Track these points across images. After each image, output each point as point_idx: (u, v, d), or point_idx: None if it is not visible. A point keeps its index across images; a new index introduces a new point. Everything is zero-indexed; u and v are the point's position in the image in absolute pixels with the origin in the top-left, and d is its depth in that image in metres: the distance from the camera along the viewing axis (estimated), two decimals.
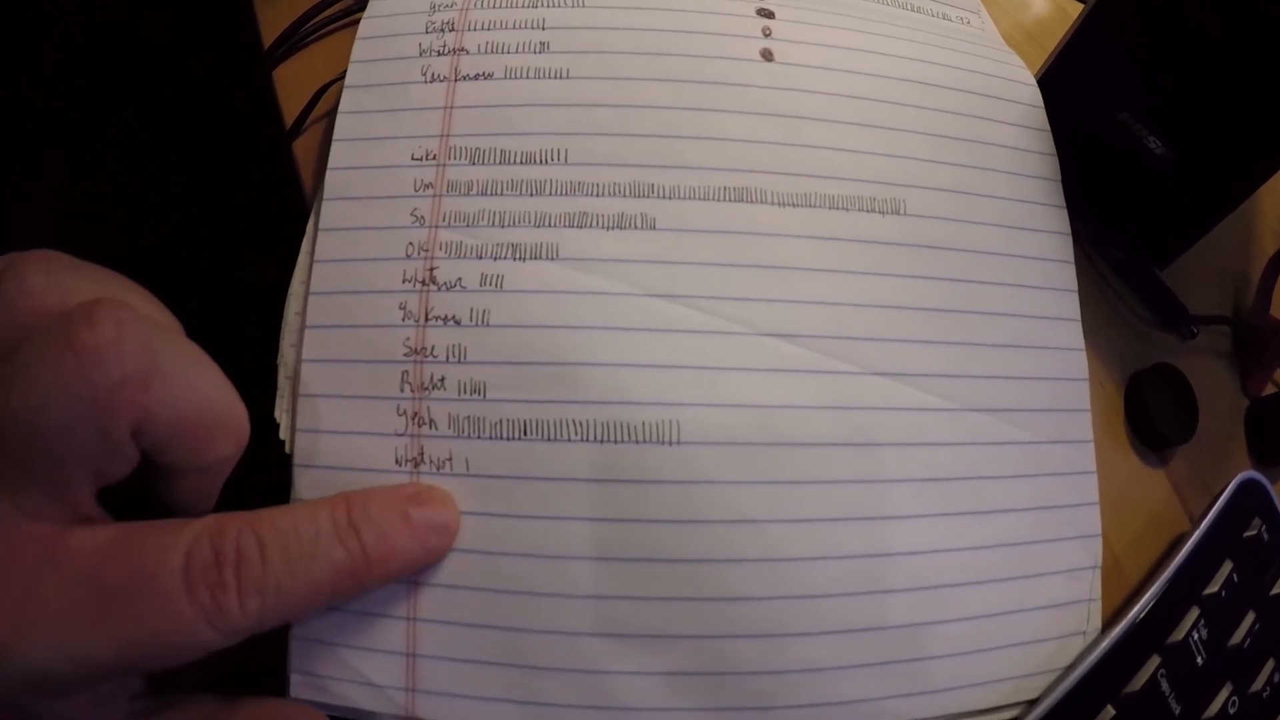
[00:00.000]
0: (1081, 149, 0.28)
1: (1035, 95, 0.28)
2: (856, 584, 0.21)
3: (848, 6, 0.28)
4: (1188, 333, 0.29)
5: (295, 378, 0.22)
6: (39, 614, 0.14)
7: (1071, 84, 0.28)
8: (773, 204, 0.23)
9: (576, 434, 0.21)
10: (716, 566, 0.21)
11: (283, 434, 0.22)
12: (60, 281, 0.16)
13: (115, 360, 0.14)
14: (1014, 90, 0.27)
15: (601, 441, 0.21)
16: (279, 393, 0.23)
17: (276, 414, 0.22)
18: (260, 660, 0.20)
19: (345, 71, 0.25)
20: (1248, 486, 0.26)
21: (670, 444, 0.21)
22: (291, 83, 0.29)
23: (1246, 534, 0.26)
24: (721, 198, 0.23)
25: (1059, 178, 0.27)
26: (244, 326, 0.24)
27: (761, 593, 0.21)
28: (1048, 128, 0.27)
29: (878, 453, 0.22)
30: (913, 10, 0.29)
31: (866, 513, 0.22)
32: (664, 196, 0.23)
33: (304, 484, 0.21)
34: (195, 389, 0.16)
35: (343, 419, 0.22)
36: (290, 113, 0.28)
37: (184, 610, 0.15)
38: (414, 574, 0.20)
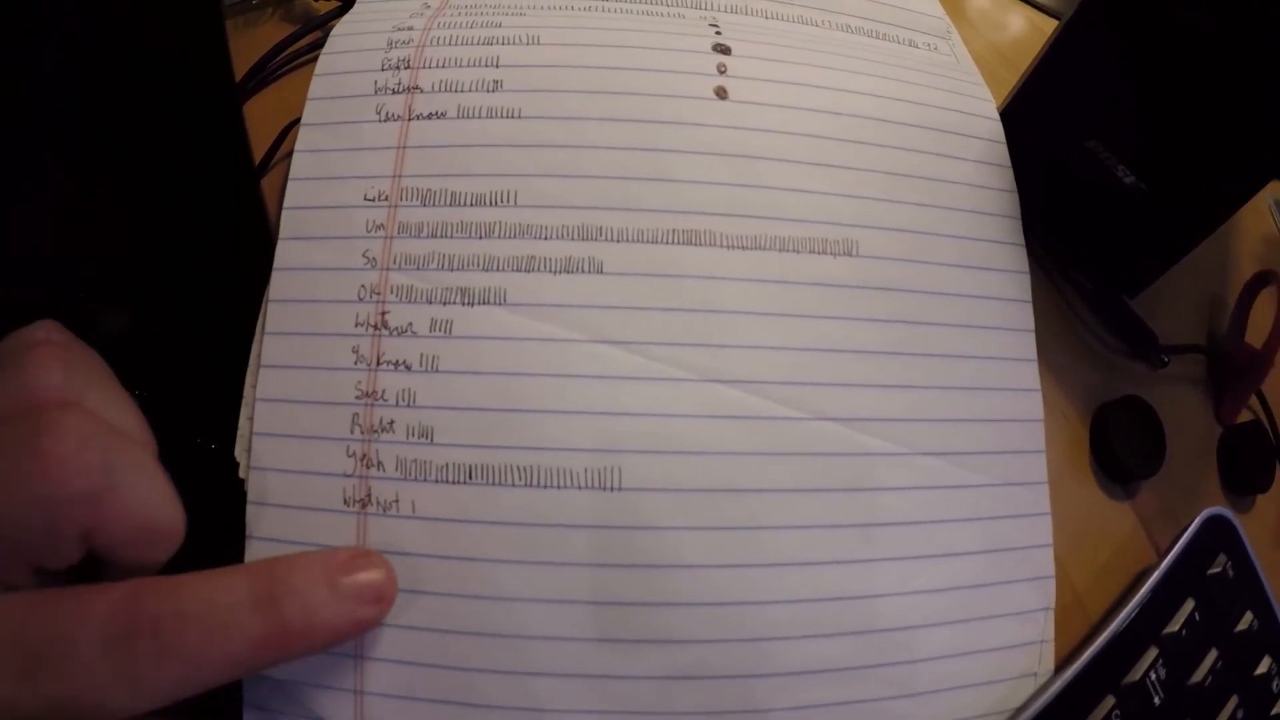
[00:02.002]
0: (1049, 177, 0.27)
1: (997, 129, 0.27)
2: (802, 628, 0.21)
3: (810, 38, 0.28)
4: (1158, 362, 0.29)
5: (252, 419, 0.23)
6: None
7: (1039, 111, 0.28)
8: (722, 247, 0.23)
9: (520, 479, 0.21)
10: (660, 610, 0.21)
11: (242, 473, 0.22)
12: (73, 381, 0.17)
13: (75, 473, 0.15)
14: (975, 125, 0.27)
15: (544, 487, 0.21)
16: (239, 432, 0.23)
17: (237, 453, 0.23)
18: (216, 694, 0.20)
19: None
20: (1213, 523, 0.26)
21: (612, 490, 0.21)
22: (262, 117, 0.29)
23: (1210, 571, 0.26)
24: (670, 240, 0.23)
25: (1019, 215, 0.26)
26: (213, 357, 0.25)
27: (707, 636, 0.21)
28: (1009, 163, 0.27)
29: (823, 498, 0.22)
30: (879, 38, 0.29)
31: (811, 558, 0.22)
32: (612, 239, 0.23)
33: (257, 522, 0.21)
34: (144, 507, 0.17)
35: (294, 458, 0.22)
36: (259, 148, 0.28)
37: (100, 676, 0.15)
38: (346, 642, 0.20)
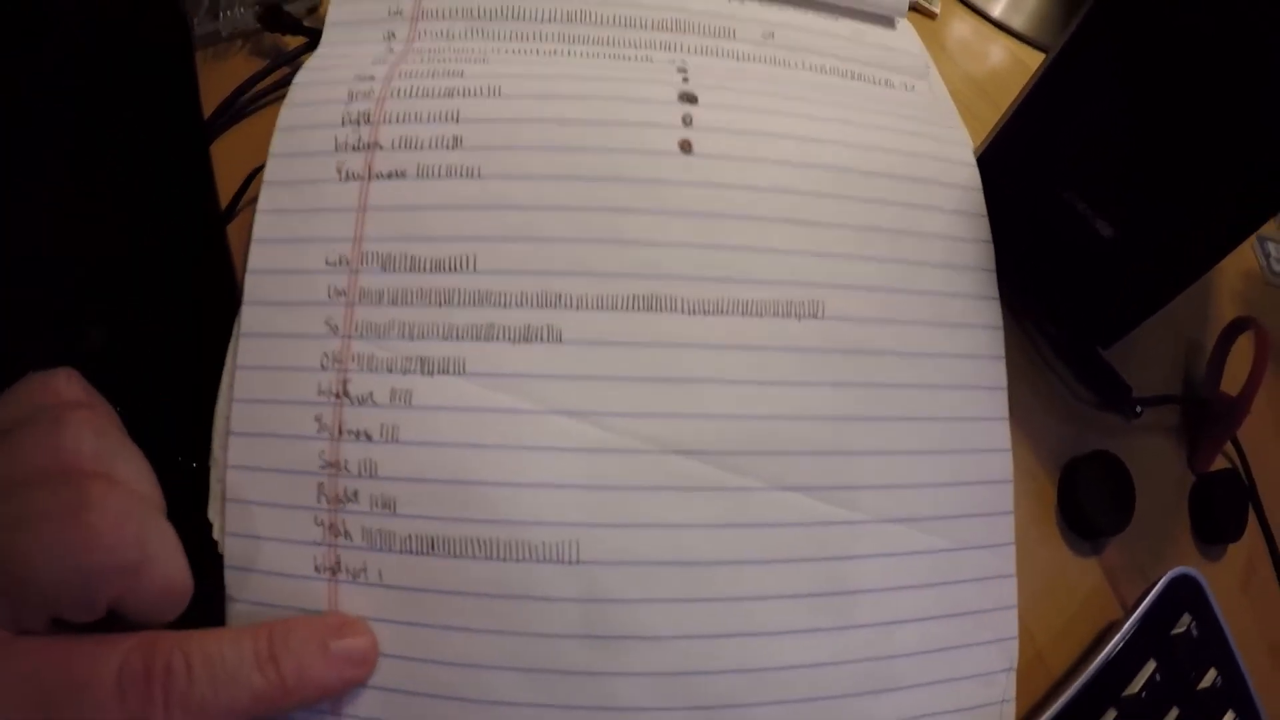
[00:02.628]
0: (1023, 226, 0.27)
1: (973, 176, 0.27)
2: (760, 696, 0.22)
3: (782, 82, 0.27)
4: (1131, 413, 0.29)
5: (224, 482, 0.23)
6: None
7: (1014, 160, 0.27)
8: (683, 312, 0.23)
9: (480, 552, 0.21)
10: (619, 680, 0.21)
11: (216, 534, 0.22)
12: (103, 449, 0.18)
13: (116, 549, 0.17)
14: (950, 172, 0.26)
15: (503, 560, 0.21)
16: (212, 494, 0.23)
17: (210, 514, 0.23)
18: None
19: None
20: (1178, 583, 0.26)
21: (570, 563, 0.21)
22: (230, 156, 0.29)
23: (1174, 631, 0.26)
24: (630, 307, 0.23)
25: (993, 266, 0.26)
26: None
27: (664, 704, 0.21)
28: (984, 212, 0.26)
29: (782, 569, 0.22)
30: (854, 78, 0.28)
31: (770, 628, 0.22)
32: (571, 307, 0.22)
33: (236, 586, 0.21)
34: (168, 575, 0.18)
35: (266, 526, 0.22)
36: (227, 189, 0.28)
37: (114, 717, 0.16)
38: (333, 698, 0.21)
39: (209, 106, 0.29)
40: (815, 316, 0.23)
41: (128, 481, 0.18)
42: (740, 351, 0.23)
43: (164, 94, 0.31)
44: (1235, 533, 0.30)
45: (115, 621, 0.19)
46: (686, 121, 0.24)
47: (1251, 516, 0.31)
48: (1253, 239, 0.37)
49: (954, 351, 0.25)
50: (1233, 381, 0.30)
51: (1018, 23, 0.37)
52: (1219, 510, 0.30)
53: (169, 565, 0.18)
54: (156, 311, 0.29)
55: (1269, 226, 0.38)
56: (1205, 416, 0.30)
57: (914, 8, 0.36)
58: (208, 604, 0.22)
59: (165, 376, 0.27)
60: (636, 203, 0.23)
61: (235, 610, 0.21)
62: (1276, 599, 0.31)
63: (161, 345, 0.29)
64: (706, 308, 0.23)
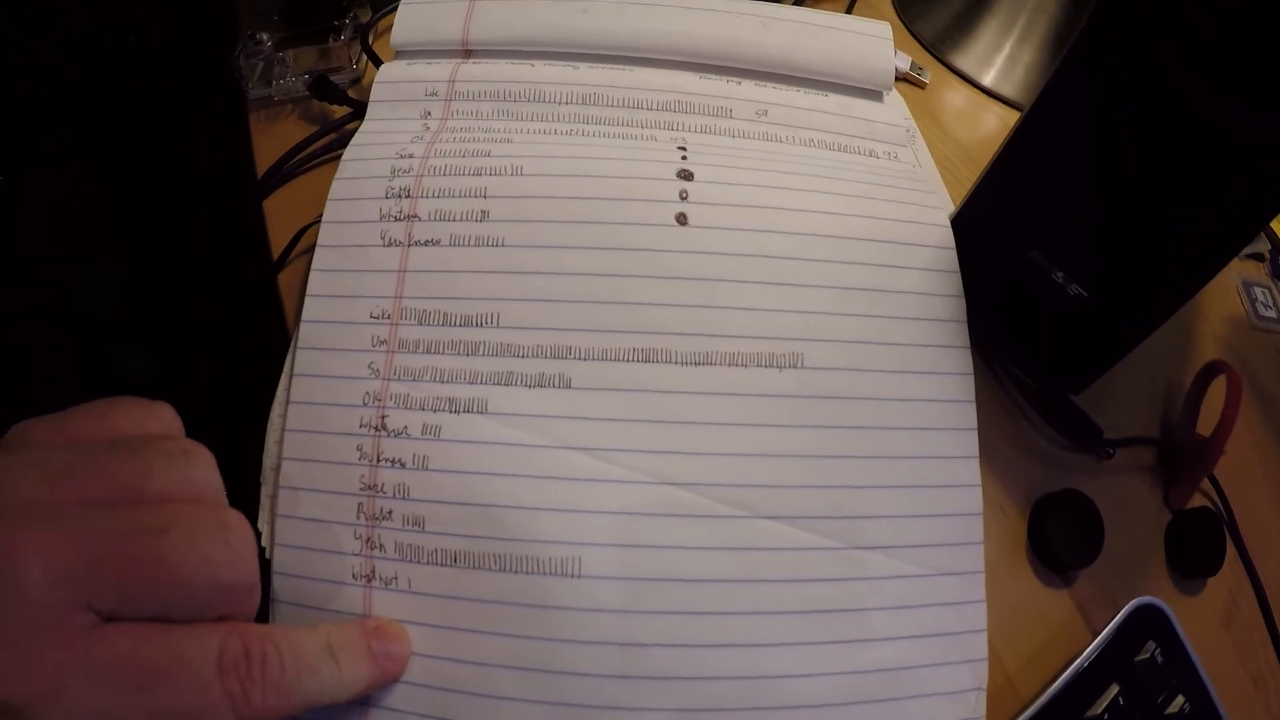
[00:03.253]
0: (994, 281, 0.30)
1: (946, 236, 0.30)
2: (739, 700, 0.24)
3: (772, 156, 0.30)
4: (1104, 454, 0.31)
5: (274, 498, 0.26)
6: (72, 681, 0.17)
7: (984, 221, 0.30)
8: (677, 363, 0.26)
9: (495, 565, 0.25)
10: (612, 681, 0.24)
11: (264, 543, 0.26)
12: (208, 479, 0.20)
13: (249, 570, 0.19)
14: (926, 233, 0.29)
15: (515, 572, 0.24)
16: (261, 506, 0.27)
17: (260, 524, 0.27)
18: None
19: (322, 214, 0.29)
20: (1143, 611, 0.28)
21: (574, 577, 0.24)
22: (281, 214, 0.33)
23: (1138, 658, 0.28)
24: (631, 358, 0.26)
25: (965, 318, 0.29)
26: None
27: (652, 705, 0.24)
28: (957, 268, 0.29)
29: (762, 588, 0.25)
30: (840, 150, 0.32)
31: (751, 640, 0.24)
32: (580, 358, 0.26)
33: (281, 588, 0.25)
34: (258, 595, 0.20)
35: (311, 538, 0.26)
36: (278, 243, 0.32)
37: (215, 693, 0.18)
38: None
39: (263, 164, 0.34)
40: (795, 367, 0.26)
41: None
42: (728, 397, 0.26)
43: (222, 154, 0.36)
44: (1212, 568, 0.31)
45: None
46: (683, 196, 0.28)
47: (1231, 552, 0.32)
48: (1238, 284, 0.39)
49: (925, 396, 0.27)
50: (1210, 422, 0.32)
51: (1008, 90, 0.40)
52: (1195, 545, 0.31)
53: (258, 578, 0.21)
54: (211, 345, 0.34)
55: (1256, 272, 0.40)
56: (1180, 456, 0.32)
57: (904, 78, 0.39)
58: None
59: (215, 399, 0.31)
60: (638, 269, 0.27)
61: (280, 610, 0.25)
62: (1260, 632, 0.32)
63: (214, 373, 0.33)
64: (698, 359, 0.26)
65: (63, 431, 0.20)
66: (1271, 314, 0.38)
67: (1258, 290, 0.38)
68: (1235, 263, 0.40)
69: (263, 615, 0.25)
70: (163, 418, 0.22)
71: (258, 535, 0.26)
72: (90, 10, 0.39)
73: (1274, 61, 0.21)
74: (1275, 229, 0.41)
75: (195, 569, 0.18)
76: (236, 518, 0.20)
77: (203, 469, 0.20)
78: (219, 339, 0.33)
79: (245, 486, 0.27)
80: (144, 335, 0.35)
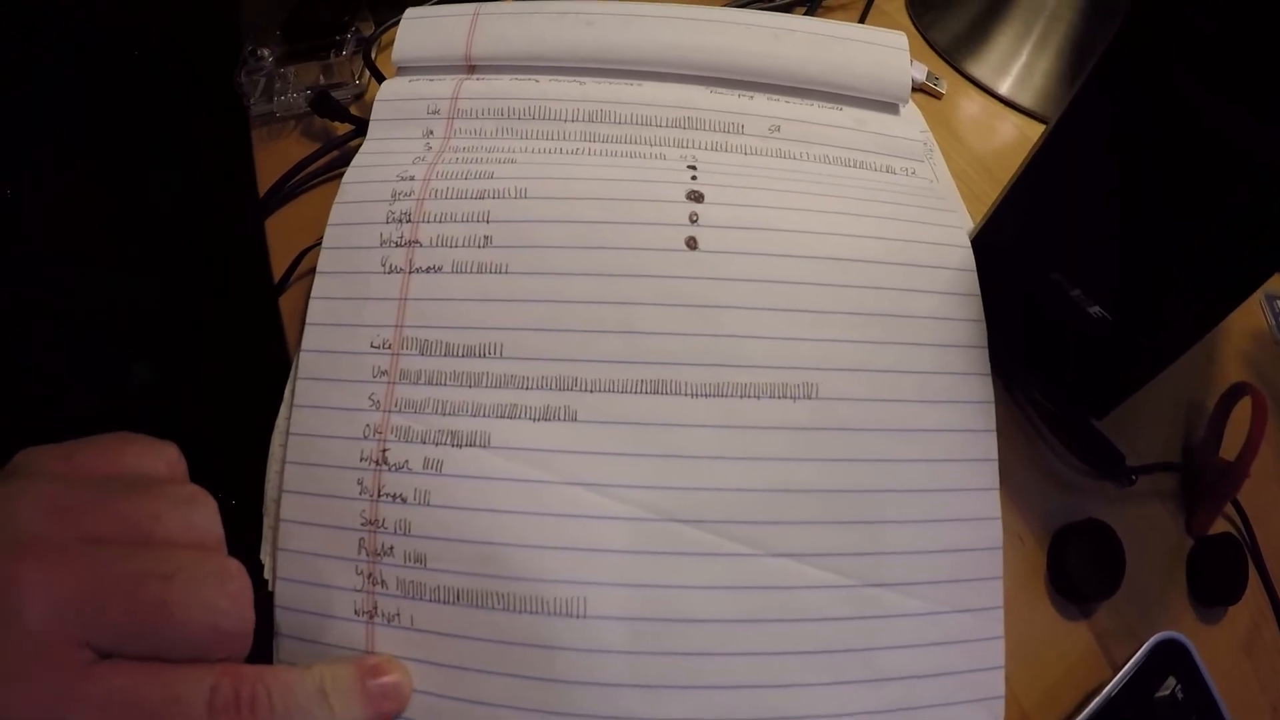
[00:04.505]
0: (1015, 303, 0.29)
1: (967, 257, 0.29)
2: None
3: (785, 174, 0.29)
4: (1126, 481, 0.30)
5: (275, 530, 0.26)
6: (67, 715, 0.17)
7: (1006, 242, 0.29)
8: (686, 395, 0.25)
9: (499, 604, 0.24)
10: None
11: (266, 574, 0.26)
12: (211, 527, 0.21)
13: (246, 617, 0.20)
14: (945, 255, 0.28)
15: (519, 611, 0.24)
16: (264, 538, 0.26)
17: (262, 555, 0.26)
18: None
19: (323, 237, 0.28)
20: (1164, 646, 0.27)
21: (578, 617, 0.24)
22: (283, 233, 0.32)
23: (1159, 694, 0.27)
24: (639, 390, 0.25)
25: (985, 343, 0.28)
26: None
27: None
28: (977, 291, 0.28)
29: (771, 628, 0.24)
30: (856, 166, 0.31)
31: (756, 682, 0.24)
32: (586, 390, 0.25)
33: (284, 622, 0.25)
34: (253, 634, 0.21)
35: (312, 573, 0.25)
36: (279, 265, 0.32)
37: None
38: None
39: (265, 182, 0.33)
40: (810, 398, 0.26)
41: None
42: (738, 430, 0.25)
43: (224, 172, 0.35)
44: (1233, 595, 0.30)
45: None
46: (693, 219, 0.27)
47: (1254, 579, 0.31)
48: (1261, 298, 0.37)
49: (944, 426, 0.27)
50: (1234, 445, 0.31)
51: (1025, 99, 0.39)
52: (1216, 573, 0.30)
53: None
54: (211, 368, 0.33)
55: (1278, 285, 0.38)
56: (1203, 481, 0.31)
57: (920, 88, 0.38)
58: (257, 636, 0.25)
59: (215, 419, 0.31)
60: (646, 296, 0.26)
61: (283, 645, 0.24)
62: None
63: (213, 393, 0.33)
64: (707, 390, 0.25)
65: (71, 463, 0.21)
66: None
67: None
68: None
69: (266, 648, 0.25)
70: (168, 458, 0.22)
71: (260, 568, 0.26)
72: (90, 10, 0.39)
73: None
74: None
75: (196, 616, 0.19)
76: (236, 567, 0.20)
77: (207, 516, 0.21)
78: (219, 361, 0.33)
79: (245, 506, 0.26)
80: (145, 339, 0.35)
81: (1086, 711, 0.26)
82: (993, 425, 0.27)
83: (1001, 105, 0.39)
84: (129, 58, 0.38)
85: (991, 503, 0.27)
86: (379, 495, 0.25)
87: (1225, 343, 0.35)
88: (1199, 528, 0.31)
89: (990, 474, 0.27)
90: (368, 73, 0.34)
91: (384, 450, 0.25)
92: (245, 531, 0.26)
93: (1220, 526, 0.32)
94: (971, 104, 0.38)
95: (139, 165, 0.38)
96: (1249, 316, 0.37)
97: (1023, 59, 0.39)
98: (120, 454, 0.21)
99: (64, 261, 0.35)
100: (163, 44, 0.37)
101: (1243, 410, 0.32)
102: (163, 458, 0.22)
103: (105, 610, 0.18)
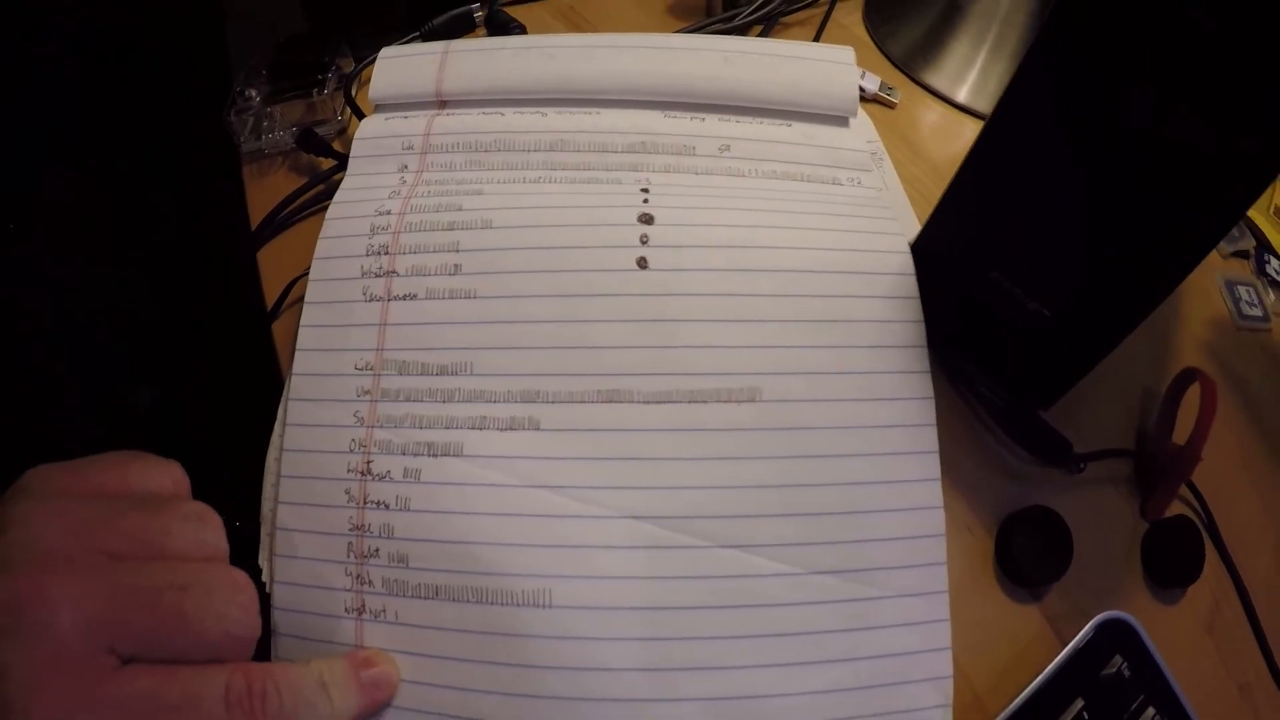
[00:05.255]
0: (958, 302, 0.30)
1: (906, 262, 0.30)
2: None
3: (734, 191, 0.31)
4: (1075, 468, 0.31)
5: (272, 538, 0.29)
6: (98, 715, 0.19)
7: (945, 244, 0.30)
8: (639, 402, 0.27)
9: (473, 597, 0.26)
10: (584, 704, 0.26)
11: (264, 578, 0.29)
12: (219, 542, 0.23)
13: (255, 625, 0.22)
14: (884, 261, 0.30)
15: (491, 604, 0.26)
16: (261, 544, 0.29)
17: (260, 560, 0.29)
18: None
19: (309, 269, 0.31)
20: (1109, 625, 0.28)
21: (544, 607, 0.26)
22: (275, 263, 0.35)
23: (1104, 672, 0.28)
24: (595, 400, 0.27)
25: (924, 342, 0.29)
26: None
27: None
28: (916, 294, 0.30)
29: (723, 613, 0.26)
30: (802, 180, 0.32)
31: (713, 663, 0.26)
32: (547, 401, 0.27)
33: (281, 622, 0.27)
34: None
35: (306, 576, 0.28)
36: (271, 292, 0.34)
37: None
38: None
39: (256, 216, 0.36)
40: (753, 400, 0.28)
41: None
42: (689, 433, 0.27)
43: (218, 209, 0.38)
44: (1189, 576, 0.31)
45: None
46: (643, 240, 0.29)
47: (1213, 558, 0.32)
48: (1221, 284, 0.38)
49: (885, 422, 0.28)
50: (1188, 429, 0.32)
51: (982, 105, 0.40)
52: (1172, 554, 0.31)
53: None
54: (208, 387, 0.36)
55: (1240, 270, 0.39)
56: (1156, 466, 0.32)
57: (874, 99, 0.39)
58: None
59: (213, 437, 0.33)
60: (601, 314, 0.28)
61: (281, 642, 0.27)
62: (1245, 638, 0.32)
63: (211, 413, 0.35)
64: (659, 398, 0.27)
65: (82, 481, 0.22)
66: (1257, 312, 0.38)
67: (1241, 289, 0.38)
68: (1217, 262, 0.40)
69: (265, 646, 0.27)
70: (174, 476, 0.24)
71: (259, 572, 0.29)
72: (90, 10, 0.41)
73: (1235, 68, 0.21)
74: (1256, 221, 0.41)
75: (211, 623, 0.21)
76: (244, 578, 0.22)
77: (214, 532, 0.23)
78: (216, 384, 0.35)
79: (243, 517, 0.29)
80: (146, 352, 0.37)
81: (1027, 690, 0.27)
82: (933, 420, 0.29)
83: (959, 112, 0.40)
84: (127, 66, 0.41)
85: (934, 492, 0.28)
86: (365, 503, 0.28)
87: (1182, 330, 0.36)
88: (1154, 512, 0.32)
89: (931, 466, 0.28)
90: (349, 109, 0.37)
91: (368, 462, 0.28)
92: (244, 541, 0.29)
93: (1177, 509, 0.33)
94: (929, 112, 0.40)
95: (139, 173, 0.40)
96: (1209, 304, 0.38)
97: (978, 66, 0.40)
98: (127, 472, 0.23)
99: (63, 258, 0.37)
100: (153, 86, 0.40)
101: (1194, 397, 0.33)
102: (169, 475, 0.24)
103: (128, 620, 0.20)
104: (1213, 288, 0.38)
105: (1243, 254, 0.40)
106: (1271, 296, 0.38)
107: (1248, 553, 0.33)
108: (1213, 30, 0.21)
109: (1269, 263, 0.39)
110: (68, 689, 0.19)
